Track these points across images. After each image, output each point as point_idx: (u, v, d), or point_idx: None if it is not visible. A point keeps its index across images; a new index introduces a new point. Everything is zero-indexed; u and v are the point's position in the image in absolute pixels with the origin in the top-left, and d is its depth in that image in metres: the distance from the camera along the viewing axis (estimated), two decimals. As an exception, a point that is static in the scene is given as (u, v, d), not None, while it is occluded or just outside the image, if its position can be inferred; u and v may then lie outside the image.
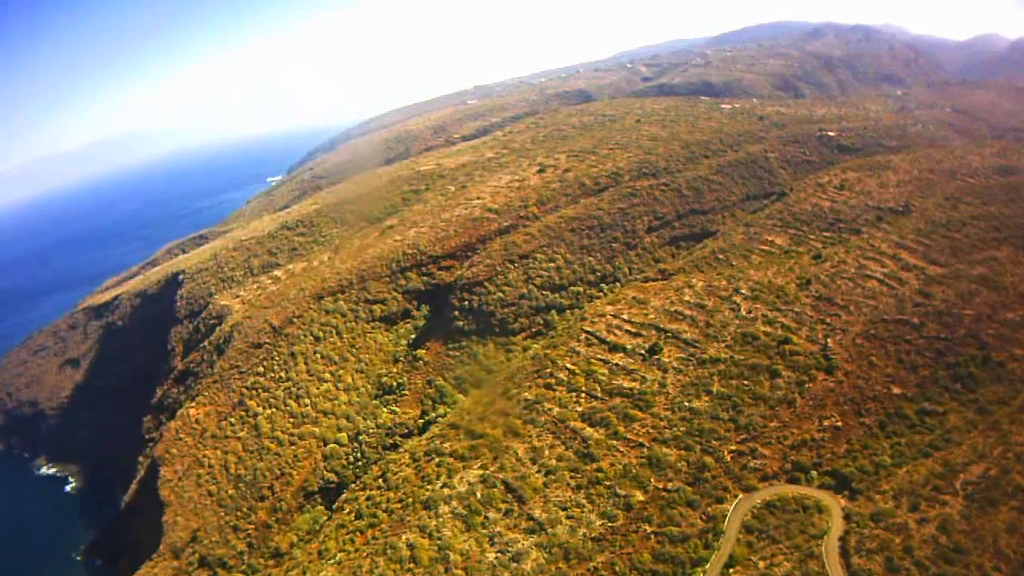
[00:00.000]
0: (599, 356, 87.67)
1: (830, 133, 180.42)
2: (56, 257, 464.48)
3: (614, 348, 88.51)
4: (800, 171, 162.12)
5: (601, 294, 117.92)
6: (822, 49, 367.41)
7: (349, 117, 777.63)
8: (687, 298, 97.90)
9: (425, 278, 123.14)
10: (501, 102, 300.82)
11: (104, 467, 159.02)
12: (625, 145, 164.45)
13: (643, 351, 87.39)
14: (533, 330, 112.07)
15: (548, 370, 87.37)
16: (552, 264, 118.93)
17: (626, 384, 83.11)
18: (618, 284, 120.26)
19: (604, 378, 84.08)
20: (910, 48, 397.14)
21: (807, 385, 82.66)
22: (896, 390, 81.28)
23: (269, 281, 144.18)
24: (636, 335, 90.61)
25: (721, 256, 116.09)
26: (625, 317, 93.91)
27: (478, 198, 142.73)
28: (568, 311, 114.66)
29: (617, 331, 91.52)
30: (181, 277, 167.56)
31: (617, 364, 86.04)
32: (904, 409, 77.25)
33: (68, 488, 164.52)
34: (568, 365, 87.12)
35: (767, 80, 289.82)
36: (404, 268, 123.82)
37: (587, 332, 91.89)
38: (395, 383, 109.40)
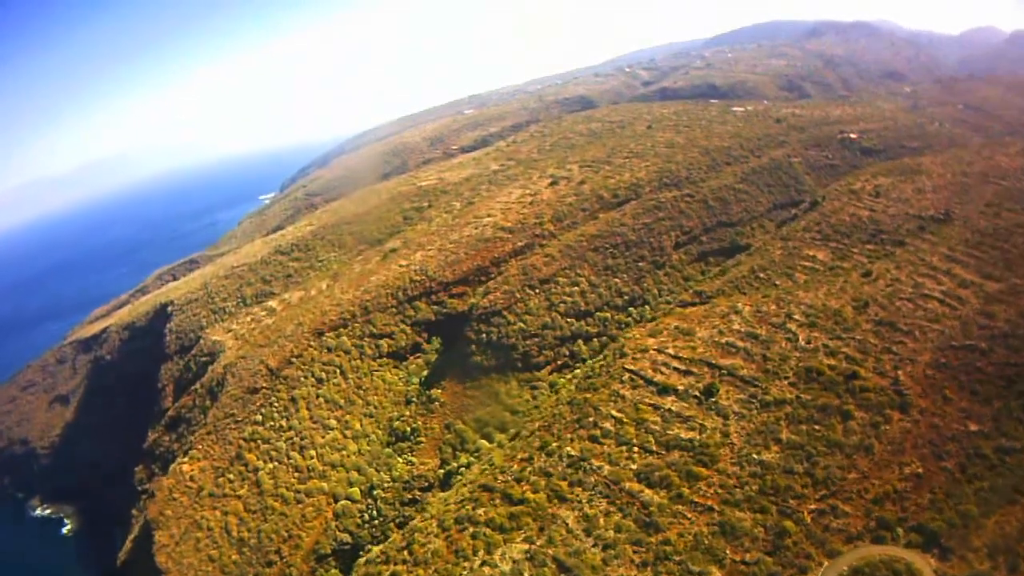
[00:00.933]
0: (648, 400, 76.99)
1: (851, 135, 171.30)
2: (48, 284, 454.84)
3: (664, 390, 77.83)
4: (824, 176, 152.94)
5: (629, 319, 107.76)
6: (823, 48, 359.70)
7: (341, 131, 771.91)
8: (736, 326, 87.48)
9: (435, 307, 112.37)
10: (499, 111, 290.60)
11: (100, 508, 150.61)
12: (641, 153, 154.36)
13: (698, 392, 76.79)
14: (559, 362, 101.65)
15: (591, 419, 76.57)
16: (576, 288, 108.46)
17: (684, 434, 72.45)
18: (647, 307, 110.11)
19: (657, 428, 73.41)
20: (910, 44, 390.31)
21: (883, 427, 72.39)
22: (973, 426, 71.26)
23: (263, 313, 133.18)
24: (687, 373, 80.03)
25: (762, 275, 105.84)
26: (671, 352, 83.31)
27: (488, 216, 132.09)
28: (595, 339, 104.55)
29: (664, 369, 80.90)
30: (170, 309, 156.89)
31: (670, 410, 75.41)
32: (983, 448, 67.65)
33: (64, 530, 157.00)
34: (614, 412, 76.38)
35: (772, 81, 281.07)
36: (412, 297, 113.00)
37: (631, 371, 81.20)
38: (409, 428, 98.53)
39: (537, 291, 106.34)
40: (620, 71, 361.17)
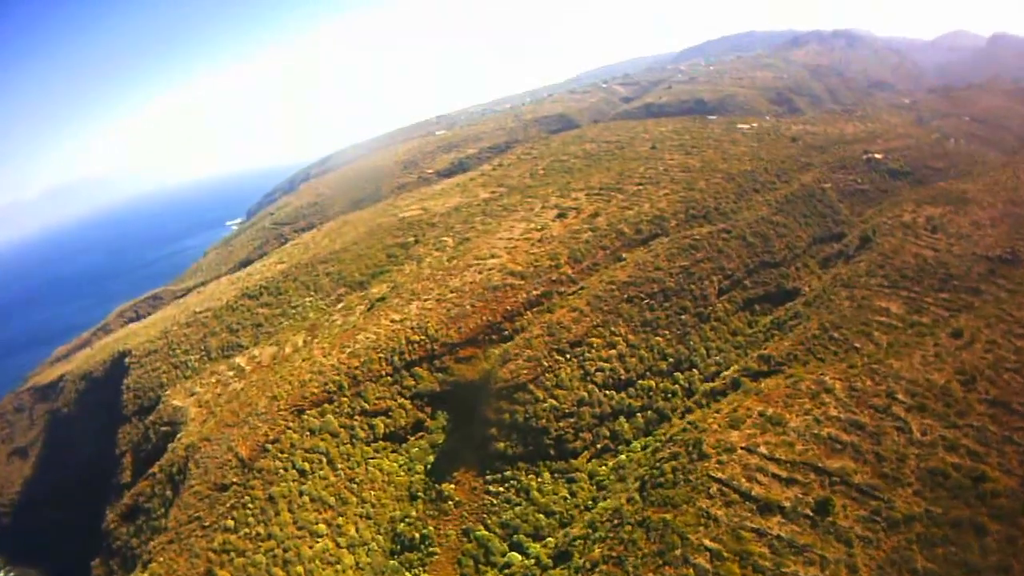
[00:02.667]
0: (749, 524, 58.81)
1: (876, 155, 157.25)
2: (11, 317, 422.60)
3: (766, 508, 59.82)
4: (857, 203, 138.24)
5: (676, 386, 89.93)
6: (807, 58, 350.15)
7: (305, 154, 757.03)
8: (834, 412, 69.98)
9: (440, 375, 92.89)
10: (473, 131, 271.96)
11: (66, 573, 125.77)
12: (655, 179, 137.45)
13: (809, 510, 58.98)
14: (598, 446, 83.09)
15: (677, 551, 58.11)
16: (613, 351, 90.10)
17: (802, 572, 54.56)
18: (695, 370, 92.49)
19: (768, 564, 55.23)
20: (893, 52, 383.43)
21: (1021, 543, 56.14)
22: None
23: (231, 373, 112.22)
24: (790, 482, 62.16)
25: (836, 334, 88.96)
26: (764, 451, 65.37)
27: (491, 256, 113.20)
28: (639, 414, 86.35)
29: (761, 476, 62.87)
30: (127, 361, 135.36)
31: (779, 536, 57.39)
32: None
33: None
34: (707, 543, 58.01)
35: (761, 94, 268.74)
36: (410, 362, 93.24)
37: (719, 481, 62.96)
38: (417, 534, 78.61)
39: (568, 357, 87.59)
40: (597, 87, 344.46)
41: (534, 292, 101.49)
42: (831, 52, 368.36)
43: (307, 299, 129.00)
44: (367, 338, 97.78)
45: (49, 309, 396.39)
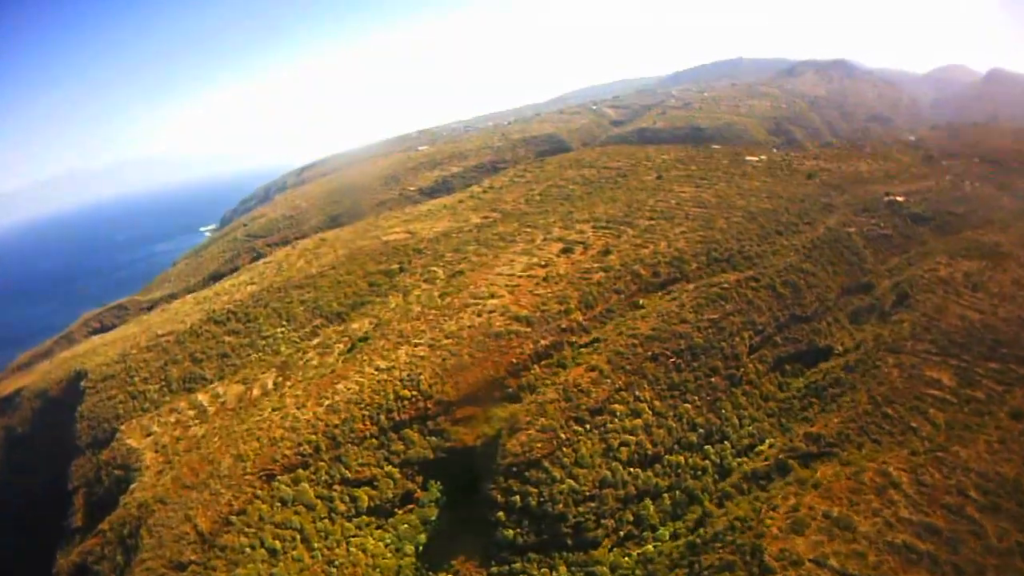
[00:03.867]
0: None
1: (898, 198, 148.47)
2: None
3: (851, 650, 48.24)
4: (881, 250, 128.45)
5: (707, 462, 78.31)
6: (804, 88, 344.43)
7: (285, 161, 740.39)
8: (905, 513, 59.12)
9: (433, 439, 79.80)
10: (457, 148, 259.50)
11: None
12: (668, 214, 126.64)
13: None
14: (621, 533, 70.94)
15: None
16: (638, 420, 78.11)
17: None
18: (727, 443, 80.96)
19: None
20: (890, 85, 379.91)
21: None
22: None
23: (191, 412, 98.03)
24: (871, 610, 50.83)
25: (888, 410, 78.01)
26: (834, 563, 53.86)
27: (491, 295, 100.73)
28: (666, 495, 74.47)
29: (838, 601, 51.43)
30: (83, 384, 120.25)
31: None
32: None
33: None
34: None
35: (759, 124, 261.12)
36: (399, 423, 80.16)
37: (791, 611, 51.24)
38: (407, 640, 65.80)
39: (588, 428, 75.34)
40: (586, 108, 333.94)
41: (542, 342, 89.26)
42: (828, 83, 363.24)
43: (279, 330, 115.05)
44: (348, 389, 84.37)
45: (14, 312, 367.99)
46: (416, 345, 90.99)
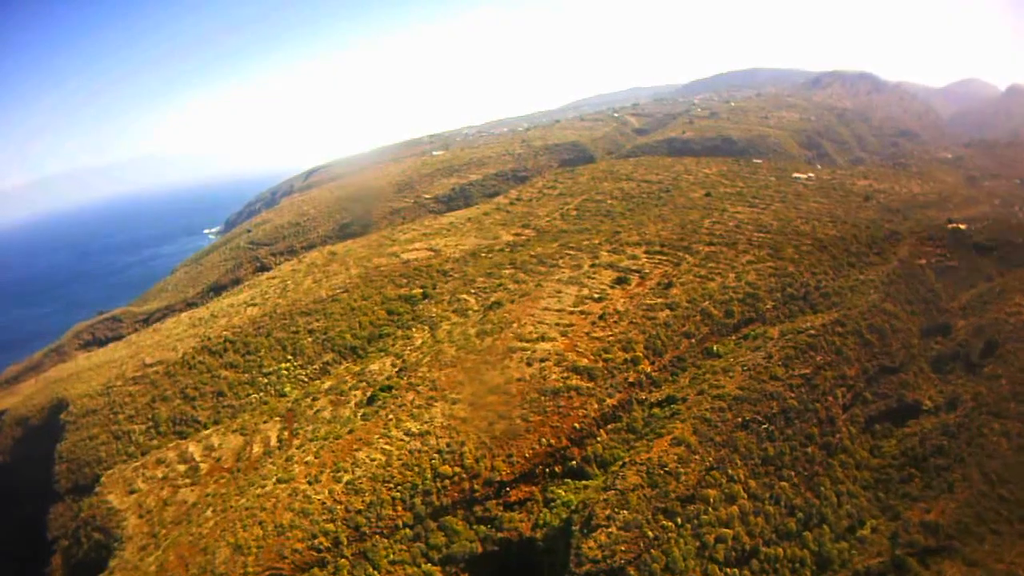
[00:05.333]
0: None
1: (960, 226, 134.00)
2: None
3: None
4: (948, 284, 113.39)
5: (805, 551, 62.68)
6: (830, 100, 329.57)
7: (291, 163, 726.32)
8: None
9: (483, 528, 63.99)
10: (476, 155, 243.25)
11: None
12: (728, 238, 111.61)
13: None
14: (719, 661, 55.44)
15: None
16: (734, 508, 62.46)
17: None
18: (826, 526, 65.36)
19: None
20: (915, 99, 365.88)
21: None
22: None
23: (181, 467, 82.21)
24: None
25: (1005, 492, 63.66)
26: None
27: (540, 336, 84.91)
28: (771, 608, 58.99)
29: None
30: (64, 418, 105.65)
31: None
32: None
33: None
34: None
35: (792, 137, 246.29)
36: (439, 509, 64.36)
37: None
38: None
39: (680, 521, 59.63)
40: (607, 116, 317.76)
41: (608, 401, 73.83)
42: (855, 95, 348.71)
43: (283, 365, 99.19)
44: (373, 460, 68.42)
45: (10, 313, 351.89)
46: (453, 401, 75.17)
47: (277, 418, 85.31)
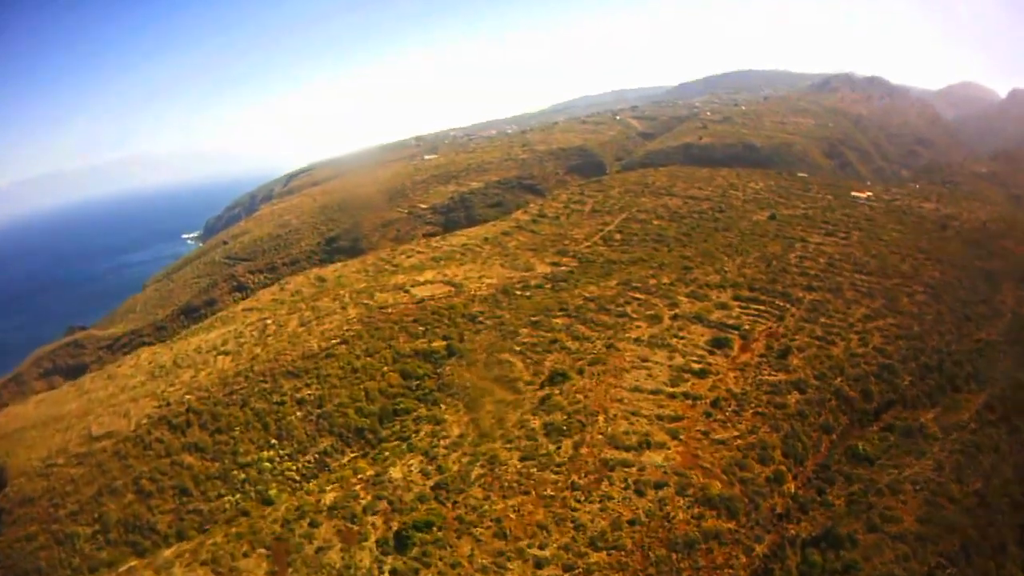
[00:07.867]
0: None
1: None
2: None
3: None
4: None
5: None
6: (842, 104, 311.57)
7: (273, 165, 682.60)
8: None
9: None
10: (474, 160, 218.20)
11: None
12: (828, 281, 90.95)
13: None
14: None
15: None
16: None
17: None
18: None
19: None
20: (928, 105, 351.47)
21: None
22: None
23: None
24: None
25: None
26: None
27: (643, 441, 61.20)
28: None
29: None
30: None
31: None
32: None
33: None
34: None
35: (815, 145, 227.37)
36: None
37: None
38: None
39: None
40: (609, 118, 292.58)
41: (758, 548, 51.17)
42: (867, 100, 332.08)
43: (264, 454, 74.04)
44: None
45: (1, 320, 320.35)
46: (538, 565, 51.29)
47: (262, 550, 60.19)
